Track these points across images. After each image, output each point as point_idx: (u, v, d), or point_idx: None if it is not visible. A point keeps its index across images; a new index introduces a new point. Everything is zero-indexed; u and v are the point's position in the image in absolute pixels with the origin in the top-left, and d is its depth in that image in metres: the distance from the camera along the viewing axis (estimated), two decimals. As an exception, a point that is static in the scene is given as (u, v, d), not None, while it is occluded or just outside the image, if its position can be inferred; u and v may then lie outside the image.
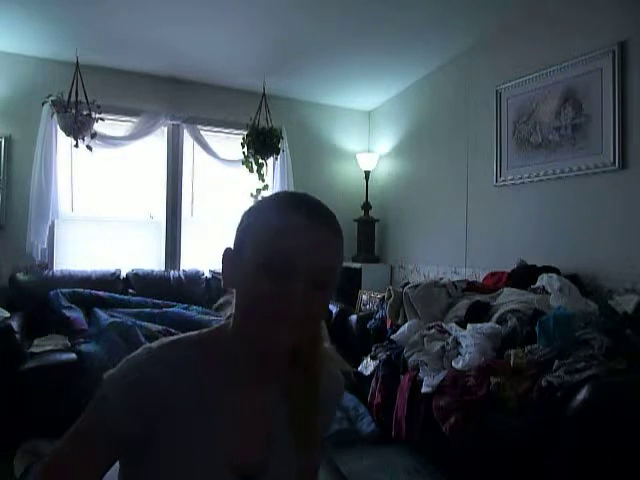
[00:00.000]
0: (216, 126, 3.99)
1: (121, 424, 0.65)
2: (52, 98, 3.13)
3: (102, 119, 3.26)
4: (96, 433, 0.66)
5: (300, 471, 0.74)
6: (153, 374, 0.66)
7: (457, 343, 2.27)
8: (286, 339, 0.66)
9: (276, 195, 0.73)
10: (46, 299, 3.02)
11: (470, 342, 2.18)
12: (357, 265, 4.11)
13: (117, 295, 3.27)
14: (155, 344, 0.70)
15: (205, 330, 0.75)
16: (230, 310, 0.74)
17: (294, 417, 0.73)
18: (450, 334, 2.36)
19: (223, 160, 3.94)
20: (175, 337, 0.73)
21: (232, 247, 0.72)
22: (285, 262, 0.64)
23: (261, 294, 0.64)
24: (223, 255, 0.72)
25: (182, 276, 3.64)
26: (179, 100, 3.80)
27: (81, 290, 3.17)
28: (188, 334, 0.74)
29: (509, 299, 2.51)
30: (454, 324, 2.44)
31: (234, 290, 0.71)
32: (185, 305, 3.33)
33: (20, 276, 3.16)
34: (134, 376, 0.66)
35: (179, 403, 0.66)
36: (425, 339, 2.39)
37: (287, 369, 0.75)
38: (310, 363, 0.75)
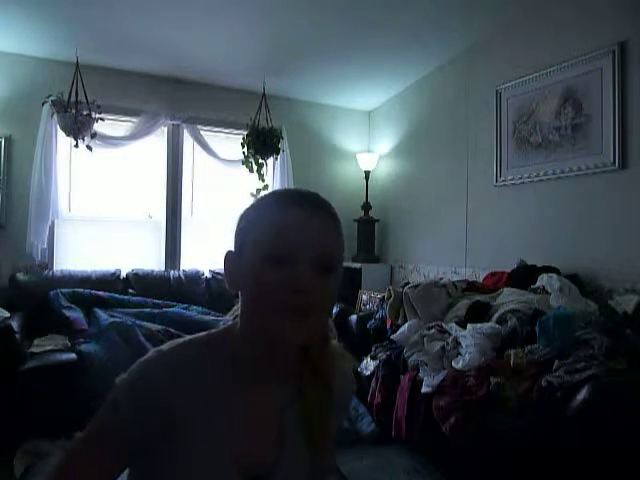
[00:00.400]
0: (216, 126, 3.99)
1: (128, 426, 0.66)
2: (52, 98, 3.13)
3: (102, 119, 3.26)
4: (105, 436, 0.67)
5: (313, 472, 0.74)
6: (155, 376, 0.67)
7: (457, 343, 2.27)
8: (297, 332, 0.65)
9: (272, 192, 0.74)
10: (46, 299, 3.02)
11: (470, 342, 2.18)
12: (357, 265, 4.11)
13: (117, 295, 3.27)
14: (166, 346, 0.71)
15: (213, 331, 0.75)
16: (237, 310, 0.74)
17: (306, 417, 0.73)
18: (450, 334, 2.36)
19: (223, 160, 3.94)
20: (185, 338, 0.74)
21: (232, 249, 0.72)
22: (288, 250, 0.64)
23: (268, 285, 0.64)
24: (225, 258, 0.72)
25: (182, 276, 3.64)
26: (179, 100, 3.80)
27: (81, 290, 3.17)
28: (197, 335, 0.74)
29: (509, 299, 2.51)
30: (454, 324, 2.44)
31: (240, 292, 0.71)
32: (185, 305, 3.33)
33: (20, 276, 3.15)
34: (138, 379, 0.67)
35: (183, 404, 0.67)
36: (425, 339, 2.39)
37: (298, 369, 0.74)
38: (321, 362, 0.75)
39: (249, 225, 0.70)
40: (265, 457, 0.70)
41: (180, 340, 0.73)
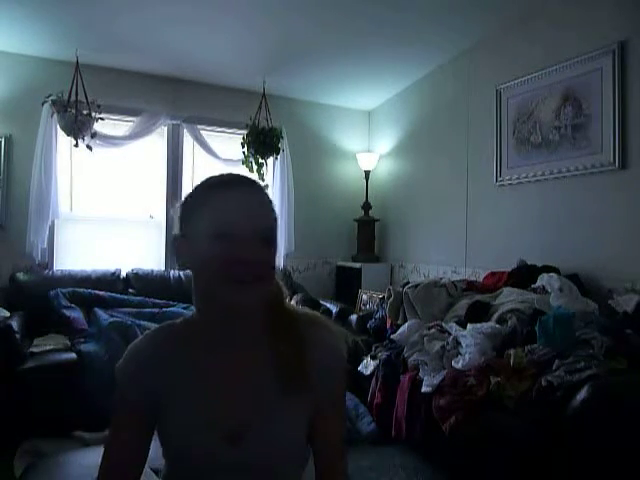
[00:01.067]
0: (216, 126, 3.99)
1: (132, 398, 0.79)
2: (52, 98, 3.13)
3: (102, 119, 3.26)
4: (122, 413, 0.80)
5: (319, 434, 0.82)
6: (145, 350, 0.81)
7: (457, 343, 2.26)
8: (248, 299, 0.73)
9: (206, 179, 0.81)
10: (46, 299, 3.01)
11: (470, 342, 2.17)
12: (357, 265, 4.11)
13: (117, 295, 3.27)
14: (152, 330, 0.85)
15: (192, 314, 0.86)
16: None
17: (279, 371, 0.78)
18: (450, 334, 2.36)
19: (223, 160, 3.94)
20: (168, 322, 0.86)
21: (179, 233, 0.79)
22: (232, 228, 0.72)
23: (217, 261, 0.72)
24: (174, 241, 0.80)
25: (182, 276, 3.63)
26: (179, 100, 3.80)
27: (81, 290, 3.16)
28: (178, 319, 0.86)
29: (509, 299, 2.50)
30: (454, 324, 2.43)
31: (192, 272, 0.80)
32: (185, 305, 3.33)
33: (20, 276, 3.15)
34: (131, 355, 0.81)
35: (168, 373, 0.78)
36: (425, 339, 2.39)
37: (267, 334, 0.80)
38: (279, 321, 0.82)
39: (193, 210, 0.77)
40: (240, 417, 0.76)
41: (165, 323, 0.86)
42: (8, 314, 2.76)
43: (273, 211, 0.79)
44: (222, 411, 0.76)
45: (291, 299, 3.59)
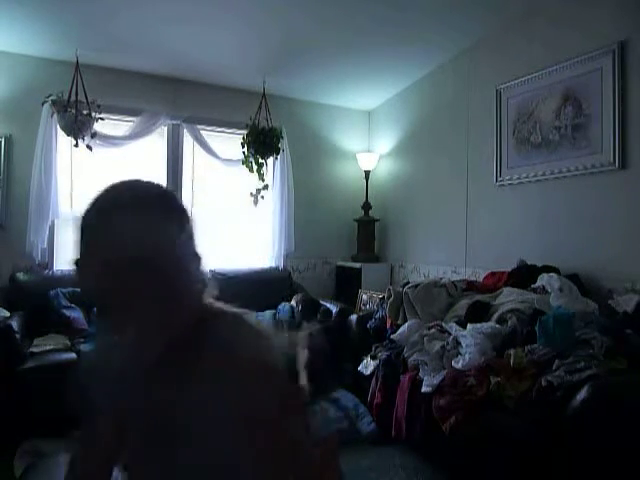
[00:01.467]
0: (216, 126, 3.99)
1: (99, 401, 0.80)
2: (52, 98, 3.13)
3: (102, 119, 3.26)
4: (89, 416, 0.82)
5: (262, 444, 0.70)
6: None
7: (457, 343, 2.27)
8: (118, 331, 0.68)
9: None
10: (46, 299, 3.01)
11: (470, 342, 2.18)
12: (357, 265, 4.11)
13: (117, 295, 3.27)
14: None
15: None
16: None
17: (187, 377, 0.71)
18: (450, 334, 2.36)
19: (223, 160, 3.94)
20: None
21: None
22: (81, 253, 0.66)
23: (90, 293, 0.66)
24: (74, 265, 0.72)
25: (182, 276, 3.63)
26: (179, 100, 3.80)
27: (81, 290, 3.17)
28: None
29: (509, 299, 2.51)
30: (454, 324, 2.44)
31: None
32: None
33: (20, 276, 3.15)
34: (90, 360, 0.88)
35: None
36: (425, 339, 2.39)
37: (179, 341, 0.72)
38: (193, 323, 0.73)
39: (76, 231, 0.70)
40: (168, 419, 0.70)
41: None
42: (8, 314, 2.76)
43: (161, 229, 0.69)
44: (153, 414, 0.74)
45: (291, 299, 3.59)
